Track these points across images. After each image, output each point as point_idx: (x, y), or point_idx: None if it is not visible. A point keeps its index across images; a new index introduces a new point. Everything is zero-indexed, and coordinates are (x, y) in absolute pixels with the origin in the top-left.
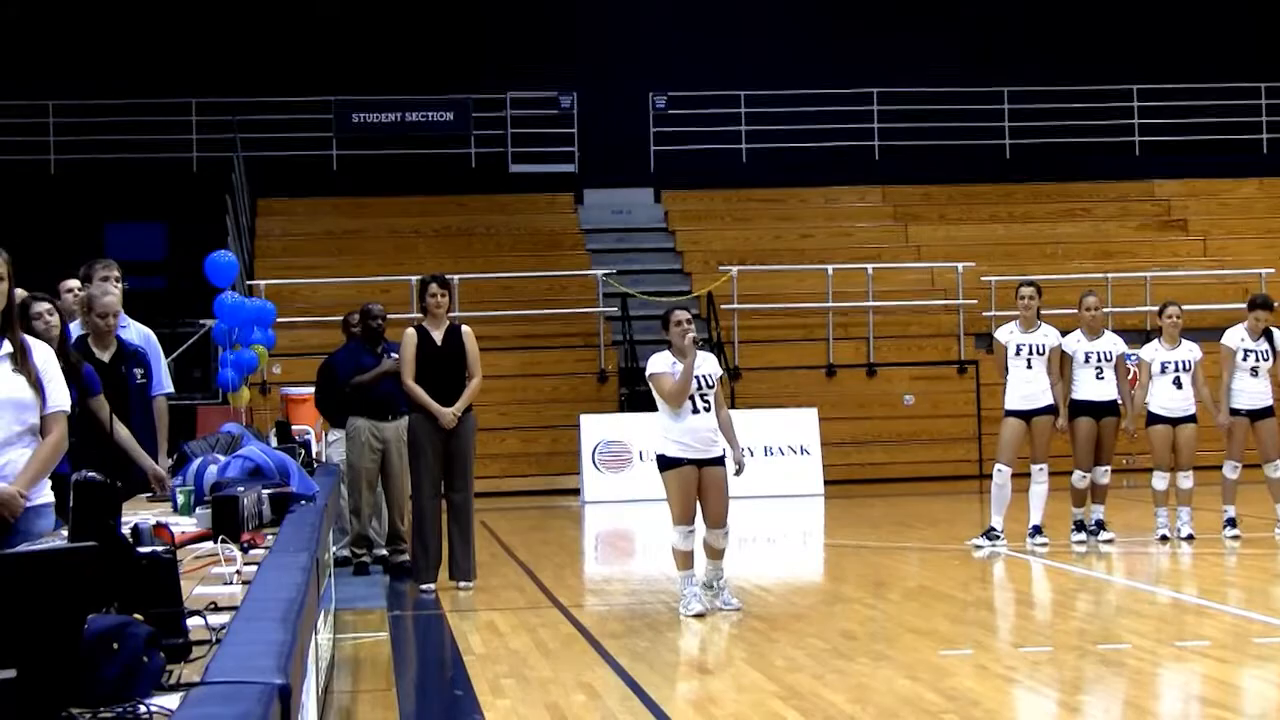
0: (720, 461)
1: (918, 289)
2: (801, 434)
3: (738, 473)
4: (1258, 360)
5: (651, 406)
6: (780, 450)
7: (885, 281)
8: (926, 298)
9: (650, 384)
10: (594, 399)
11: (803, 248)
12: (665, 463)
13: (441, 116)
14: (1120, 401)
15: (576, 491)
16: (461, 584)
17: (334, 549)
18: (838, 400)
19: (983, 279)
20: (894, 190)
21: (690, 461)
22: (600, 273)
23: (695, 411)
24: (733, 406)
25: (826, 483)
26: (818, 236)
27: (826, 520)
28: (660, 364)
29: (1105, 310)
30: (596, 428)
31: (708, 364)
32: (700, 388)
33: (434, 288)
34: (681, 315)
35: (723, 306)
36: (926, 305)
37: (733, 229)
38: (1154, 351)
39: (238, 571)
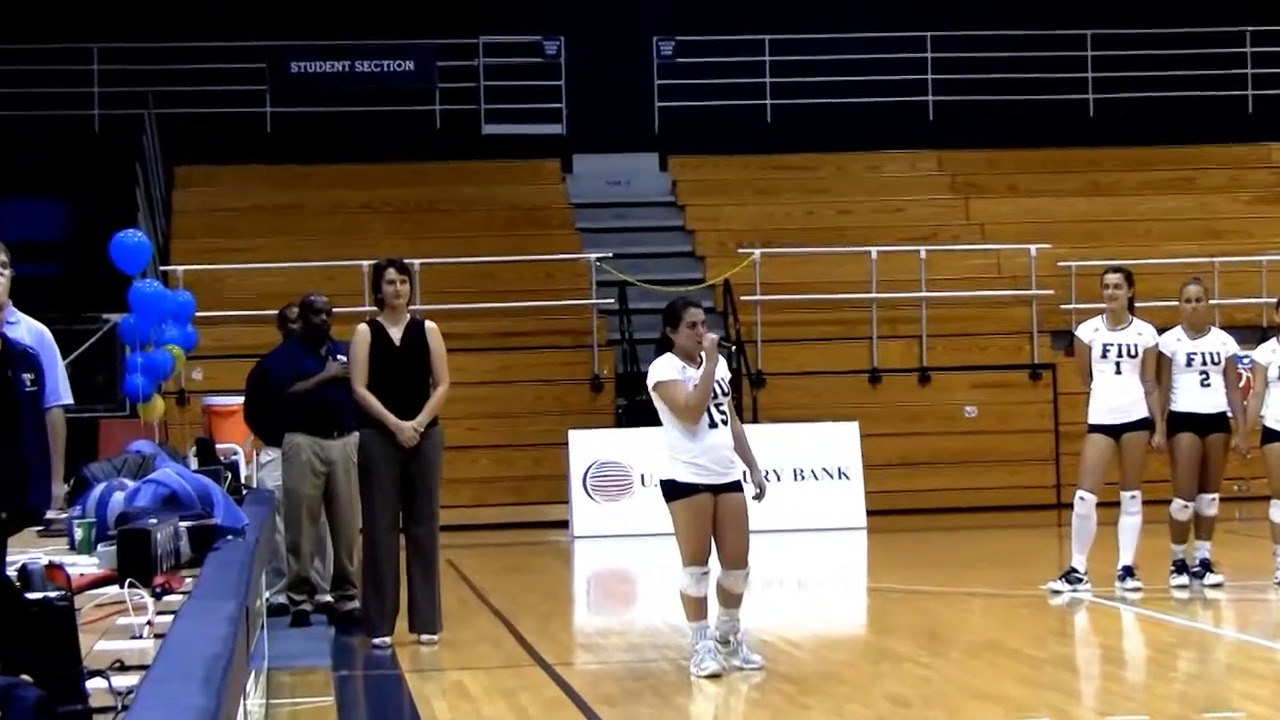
0: (739, 486)
1: (981, 276)
2: (839, 454)
3: (758, 497)
4: None
5: (655, 420)
6: (813, 474)
7: (942, 267)
8: (992, 287)
9: (655, 395)
10: (586, 411)
11: (841, 226)
12: (674, 489)
13: (399, 66)
14: (1230, 414)
15: (564, 524)
16: (424, 637)
17: (268, 595)
18: (883, 413)
19: (1061, 264)
20: (952, 156)
21: (705, 488)
22: (593, 257)
23: (713, 426)
24: (755, 420)
25: (869, 513)
26: (859, 212)
27: (869, 559)
28: (667, 371)
29: (1211, 302)
30: (588, 446)
31: (718, 368)
32: (715, 396)
33: (391, 274)
34: (695, 313)
35: (742, 298)
36: (992, 296)
37: (755, 203)
38: (1270, 354)
39: (149, 623)
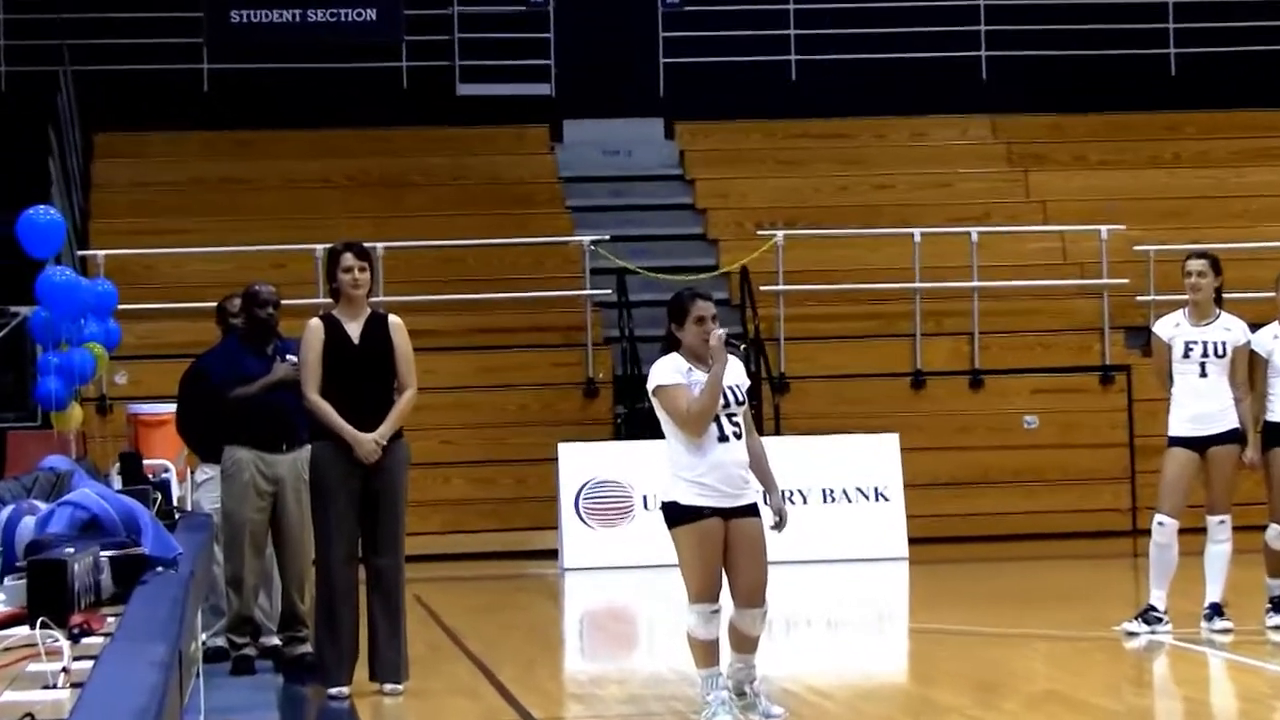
0: (755, 510)
1: (1043, 263)
2: (875, 471)
3: (777, 525)
4: None
5: (658, 433)
6: (845, 495)
7: (997, 252)
8: (1056, 275)
9: (655, 401)
10: (579, 421)
11: (878, 203)
12: (678, 513)
13: (359, 16)
14: None
15: (553, 554)
16: (387, 686)
17: (205, 637)
18: (928, 423)
19: (1137, 248)
20: (1009, 122)
21: (714, 512)
22: (587, 240)
23: (723, 439)
24: (776, 432)
25: (912, 541)
26: (899, 188)
27: (911, 594)
28: (668, 373)
29: None
30: (582, 462)
31: (733, 371)
32: (728, 404)
33: (349, 260)
34: (705, 307)
35: (762, 288)
36: (1056, 286)
37: (777, 176)
38: (1273, 340)
39: (65, 669)
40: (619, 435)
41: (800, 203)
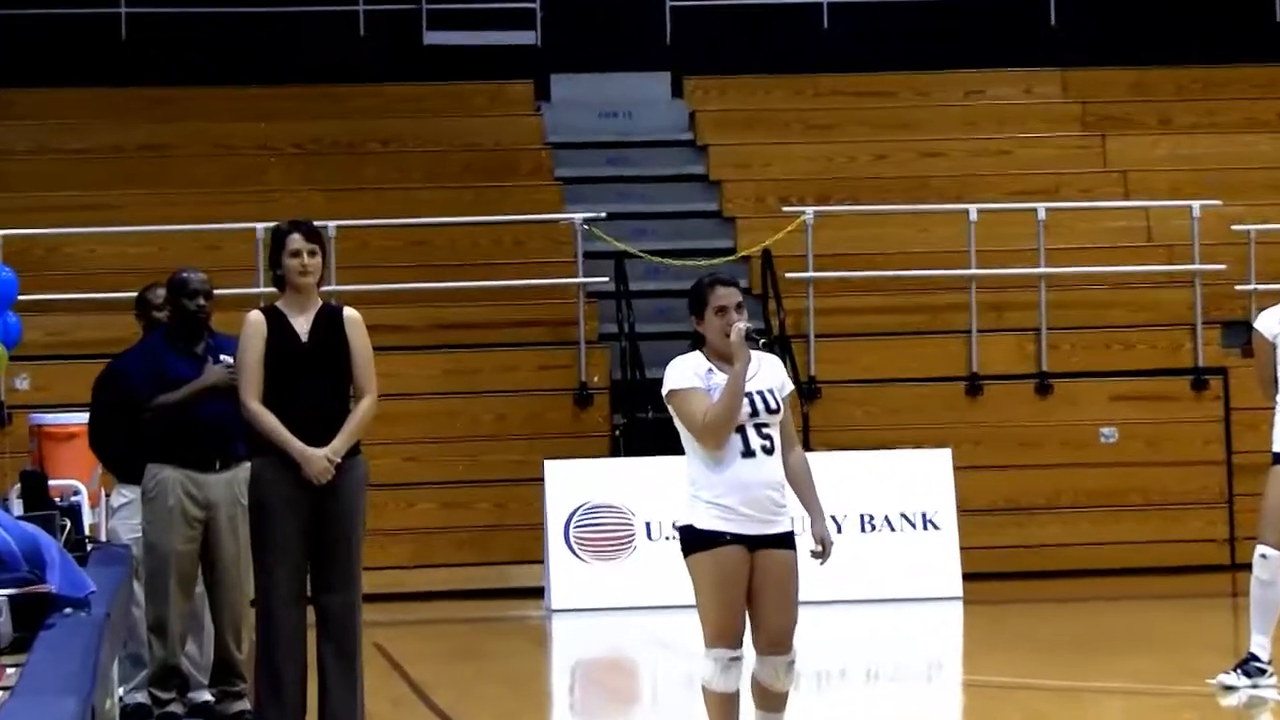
0: (788, 540)
1: (1124, 245)
2: (923, 494)
3: (818, 555)
4: None
5: (670, 448)
6: (887, 523)
7: (1068, 232)
8: (1138, 259)
9: (670, 408)
10: (569, 433)
11: (926, 174)
12: (694, 539)
13: None
14: None
15: (538, 592)
16: None
17: (122, 691)
18: (986, 437)
19: (1235, 227)
20: (1082, 77)
21: (736, 539)
22: (580, 217)
23: (748, 454)
24: (805, 447)
25: (966, 577)
26: (952, 156)
27: (966, 640)
28: (684, 375)
29: None
30: (573, 483)
31: (768, 373)
32: (755, 413)
33: (296, 242)
34: (725, 294)
35: (788, 275)
36: (1138, 273)
37: (806, 142)
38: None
39: None
40: (618, 451)
41: (833, 174)
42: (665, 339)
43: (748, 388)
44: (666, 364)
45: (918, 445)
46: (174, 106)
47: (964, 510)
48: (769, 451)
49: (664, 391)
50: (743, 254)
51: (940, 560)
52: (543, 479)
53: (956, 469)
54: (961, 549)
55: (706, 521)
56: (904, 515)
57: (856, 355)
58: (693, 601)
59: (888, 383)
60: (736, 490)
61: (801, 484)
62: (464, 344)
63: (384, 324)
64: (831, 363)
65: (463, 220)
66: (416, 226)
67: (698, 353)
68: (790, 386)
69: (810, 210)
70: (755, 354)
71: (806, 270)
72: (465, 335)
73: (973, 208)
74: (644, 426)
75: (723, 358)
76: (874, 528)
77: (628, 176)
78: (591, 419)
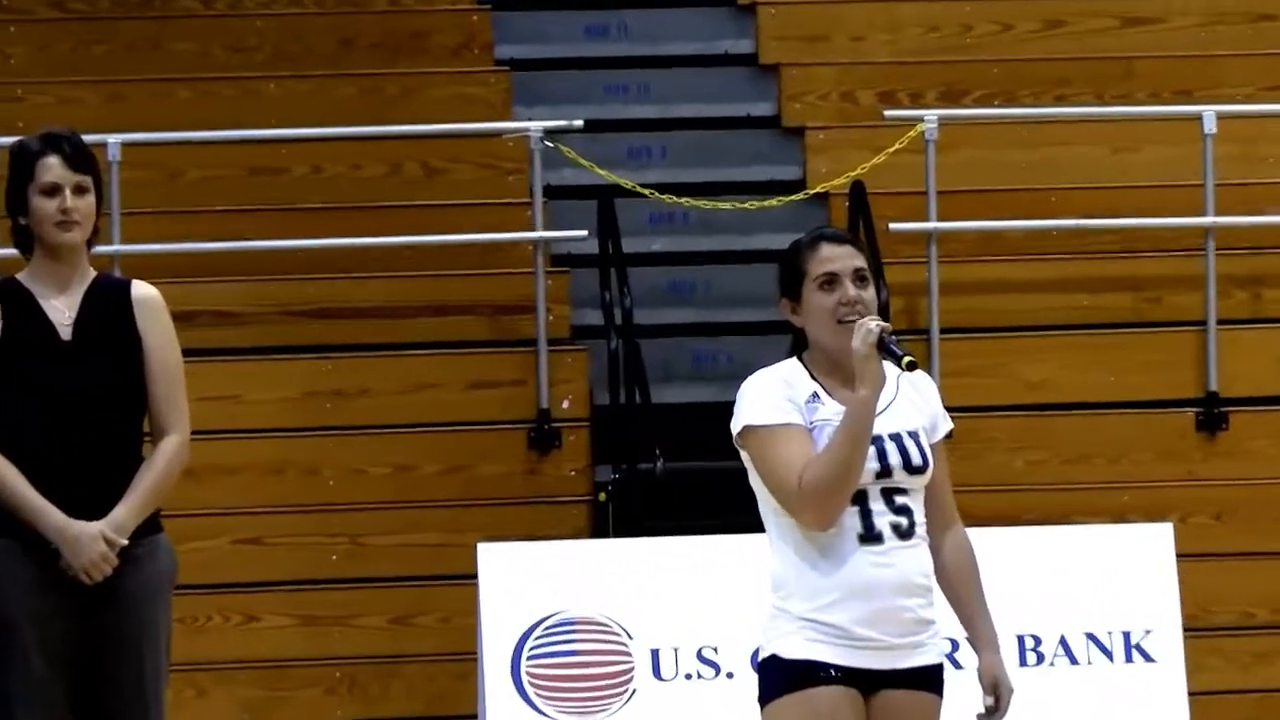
0: (931, 679)
1: None
2: (1127, 601)
3: (991, 712)
4: None
5: (702, 519)
6: (1064, 651)
7: None
8: None
9: (743, 455)
10: (520, 497)
11: (1127, 53)
12: (779, 677)
13: None
14: None
15: None
16: None
17: None
18: (1233, 502)
19: None
20: None
21: (845, 675)
22: (537, 125)
23: (872, 538)
24: None
25: None
26: (1163, 26)
27: None
28: (770, 401)
29: None
30: (527, 581)
31: (910, 403)
32: (886, 470)
33: (52, 171)
34: (835, 255)
35: (892, 226)
36: None
37: (914, 9)
38: None
39: None
40: (603, 527)
41: (970, 54)
42: (685, 334)
43: (876, 428)
44: (683, 378)
45: (1116, 516)
46: None
47: (1194, 629)
48: (906, 534)
49: (735, 427)
50: (816, 190)
51: (1156, 712)
52: (475, 576)
53: (1182, 557)
54: (1190, 695)
55: (799, 648)
56: (1091, 638)
57: (1011, 363)
58: None
59: (1064, 410)
60: (856, 596)
61: (962, 588)
62: (340, 345)
63: (203, 309)
64: (969, 376)
65: (338, 132)
66: (261, 143)
67: (794, 363)
68: (948, 425)
69: (932, 116)
70: (892, 370)
71: (925, 219)
72: (343, 330)
73: (1209, 111)
74: (650, 486)
75: (836, 370)
76: (1041, 658)
77: (618, 58)
78: (558, 472)
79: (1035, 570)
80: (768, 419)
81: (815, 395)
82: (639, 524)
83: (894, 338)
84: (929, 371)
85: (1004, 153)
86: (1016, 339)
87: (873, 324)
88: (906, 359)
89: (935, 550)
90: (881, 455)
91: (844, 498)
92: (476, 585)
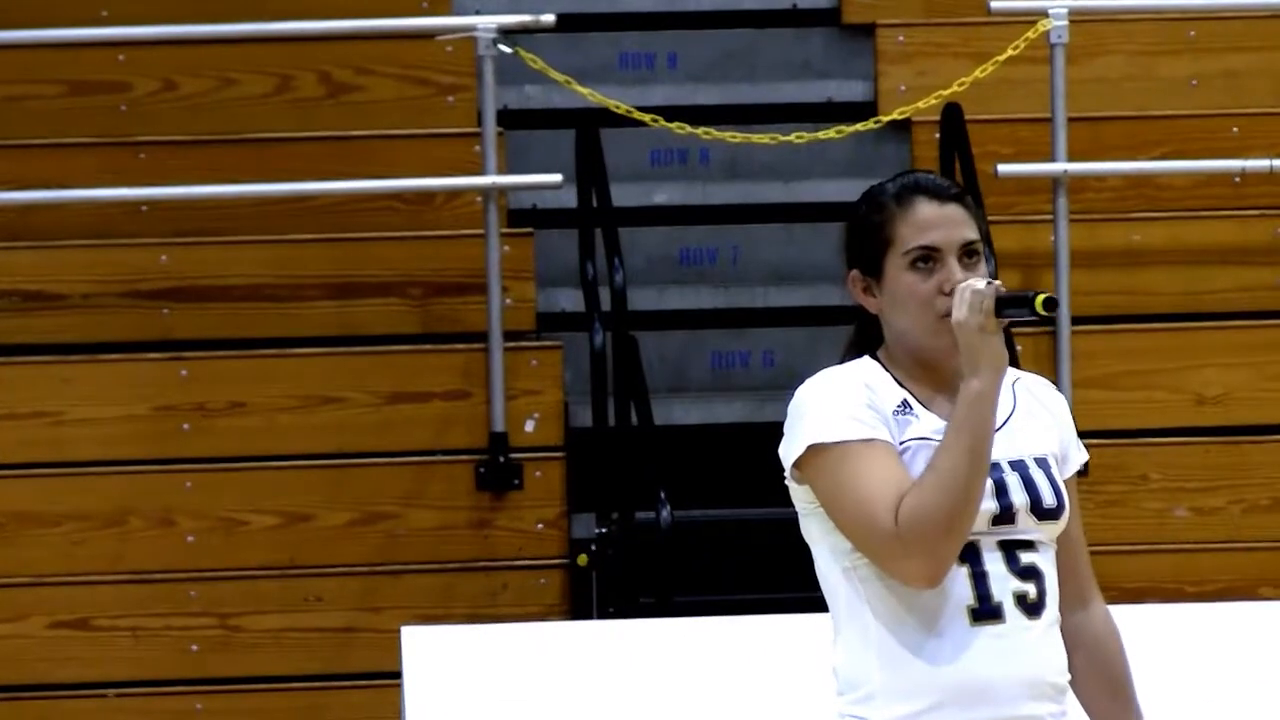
0: None
1: None
2: None
3: None
4: None
5: (725, 596)
6: None
7: None
8: None
9: (800, 489)
10: (465, 561)
11: None
12: None
13: None
14: None
15: None
16: None
17: None
18: None
19: None
20: None
21: None
22: (487, 21)
23: (987, 613)
24: None
25: None
26: None
27: None
28: (841, 409)
29: None
30: (476, 682)
31: (1034, 420)
32: (1007, 514)
33: None
34: (931, 214)
35: (1004, 169)
36: None
37: None
38: None
39: None
40: (584, 605)
41: None
42: (702, 324)
43: (1005, 454)
44: (698, 388)
45: None
46: None
47: None
48: (1035, 608)
49: (794, 450)
50: (892, 116)
51: None
52: (398, 674)
53: None
54: None
55: None
56: None
57: (1174, 367)
58: None
59: (1253, 435)
60: (961, 702)
61: (1106, 690)
62: (204, 340)
63: (6, 287)
64: (1112, 387)
65: (200, 31)
66: (88, 46)
67: (869, 362)
68: (1082, 456)
69: (1060, 8)
70: (1019, 377)
71: (1049, 158)
72: (208, 318)
73: None
74: (650, 544)
75: (927, 371)
76: None
77: None
78: (519, 524)
79: (1208, 664)
80: (843, 433)
81: (905, 405)
82: (634, 599)
83: (1008, 306)
84: (1054, 379)
85: (1164, 63)
86: (1183, 332)
87: (981, 283)
88: (1041, 296)
89: (1066, 634)
90: (1000, 491)
91: (959, 539)
92: (400, 687)
